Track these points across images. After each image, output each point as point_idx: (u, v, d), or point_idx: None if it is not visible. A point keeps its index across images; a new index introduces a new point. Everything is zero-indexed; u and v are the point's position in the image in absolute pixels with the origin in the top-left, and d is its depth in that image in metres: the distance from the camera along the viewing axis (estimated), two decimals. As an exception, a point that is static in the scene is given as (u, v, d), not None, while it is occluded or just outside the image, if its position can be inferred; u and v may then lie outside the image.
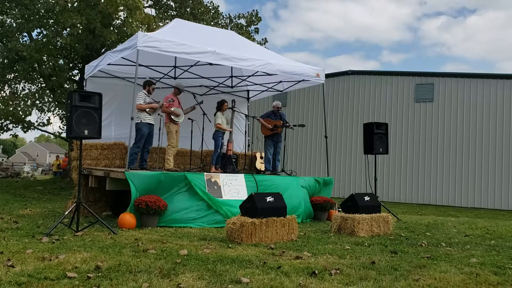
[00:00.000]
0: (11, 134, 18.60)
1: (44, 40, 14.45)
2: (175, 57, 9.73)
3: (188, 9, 17.79)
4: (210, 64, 9.14)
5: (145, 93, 8.44)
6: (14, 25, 14.90)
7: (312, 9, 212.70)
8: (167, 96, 8.84)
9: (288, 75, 9.34)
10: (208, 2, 18.26)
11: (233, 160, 9.82)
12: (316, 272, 4.02)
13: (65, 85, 15.75)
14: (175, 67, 10.65)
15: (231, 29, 18.06)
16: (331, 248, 5.39)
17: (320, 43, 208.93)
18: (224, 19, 18.89)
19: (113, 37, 13.90)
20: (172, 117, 8.68)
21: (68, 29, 14.16)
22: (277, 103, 10.14)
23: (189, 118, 9.04)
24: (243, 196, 7.56)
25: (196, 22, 14.34)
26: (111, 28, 14.53)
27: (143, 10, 17.13)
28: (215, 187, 7.62)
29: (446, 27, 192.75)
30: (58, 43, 15.08)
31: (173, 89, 9.07)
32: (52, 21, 14.13)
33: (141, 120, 8.20)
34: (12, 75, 16.85)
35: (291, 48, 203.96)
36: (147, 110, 8.30)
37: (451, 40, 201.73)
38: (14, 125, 17.81)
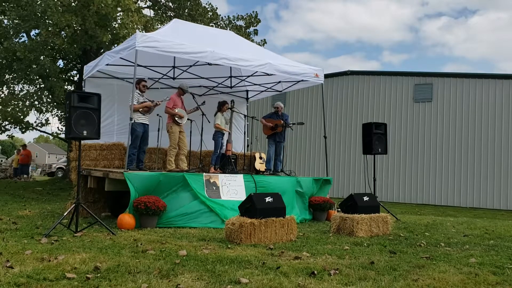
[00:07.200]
0: (8, 135, 18.57)
1: (39, 40, 14.44)
2: (174, 57, 9.75)
3: (186, 11, 17.77)
4: (209, 64, 9.15)
5: (138, 93, 8.40)
6: (11, 24, 14.89)
7: (313, 10, 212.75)
8: (171, 96, 8.85)
9: (287, 75, 9.34)
10: (206, 3, 18.25)
11: (232, 160, 9.83)
12: (315, 272, 4.03)
13: (61, 87, 15.67)
14: (174, 67, 10.66)
15: (229, 30, 18.04)
16: (330, 249, 5.39)
17: (321, 44, 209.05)
18: (224, 20, 18.87)
19: (105, 38, 13.86)
20: (176, 118, 8.67)
21: (64, 30, 14.14)
22: (278, 104, 10.19)
23: (188, 119, 9.04)
24: (242, 197, 7.56)
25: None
26: (108, 29, 14.50)
27: (141, 11, 17.15)
28: (214, 188, 7.62)
29: (447, 27, 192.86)
30: (55, 45, 15.07)
31: (177, 90, 9.06)
32: (49, 21, 14.10)
33: (134, 121, 8.13)
34: (10, 76, 16.83)
35: (292, 48, 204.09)
36: (140, 110, 8.28)
37: (452, 40, 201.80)
38: (13, 125, 17.80)
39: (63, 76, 17.85)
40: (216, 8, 18.37)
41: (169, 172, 7.66)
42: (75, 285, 3.47)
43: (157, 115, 8.65)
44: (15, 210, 9.03)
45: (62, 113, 18.99)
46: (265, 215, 5.83)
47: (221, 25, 18.66)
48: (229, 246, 5.35)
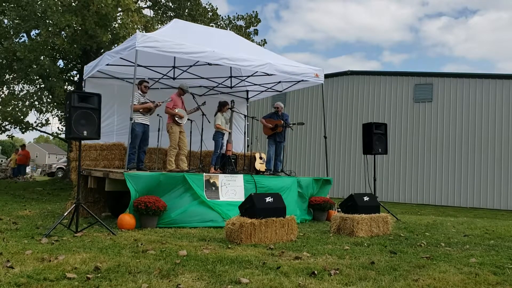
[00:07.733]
0: (8, 135, 18.55)
1: (39, 40, 14.44)
2: (174, 57, 9.75)
3: (186, 11, 17.76)
4: (209, 64, 9.14)
5: (140, 94, 8.41)
6: (11, 24, 14.89)
7: (313, 10, 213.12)
8: (171, 96, 8.85)
9: (287, 75, 9.34)
10: (206, 3, 18.25)
11: (232, 160, 9.83)
12: (316, 272, 4.03)
13: (61, 87, 15.65)
14: (174, 67, 10.66)
15: (229, 30, 18.02)
16: (330, 249, 5.39)
17: (321, 44, 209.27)
18: (224, 20, 18.86)
19: (105, 38, 13.85)
20: (176, 118, 8.67)
21: (64, 30, 14.14)
22: (278, 104, 10.18)
23: (188, 119, 9.04)
24: (240, 197, 7.56)
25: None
26: (108, 29, 14.49)
27: (141, 11, 17.14)
28: (213, 188, 7.62)
29: (447, 27, 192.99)
30: (55, 45, 15.06)
31: (178, 90, 9.05)
32: (49, 21, 14.10)
33: (134, 121, 8.12)
34: (10, 76, 16.81)
35: (292, 48, 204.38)
36: (140, 110, 8.28)
37: (452, 40, 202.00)
38: (13, 126, 17.78)
39: (63, 76, 17.82)
40: (216, 8, 18.37)
41: (169, 172, 7.66)
42: (76, 285, 3.47)
43: (157, 115, 8.66)
44: (15, 210, 9.03)
45: (62, 113, 18.97)
46: (266, 215, 5.83)
47: (221, 25, 18.65)
48: (229, 246, 5.35)
